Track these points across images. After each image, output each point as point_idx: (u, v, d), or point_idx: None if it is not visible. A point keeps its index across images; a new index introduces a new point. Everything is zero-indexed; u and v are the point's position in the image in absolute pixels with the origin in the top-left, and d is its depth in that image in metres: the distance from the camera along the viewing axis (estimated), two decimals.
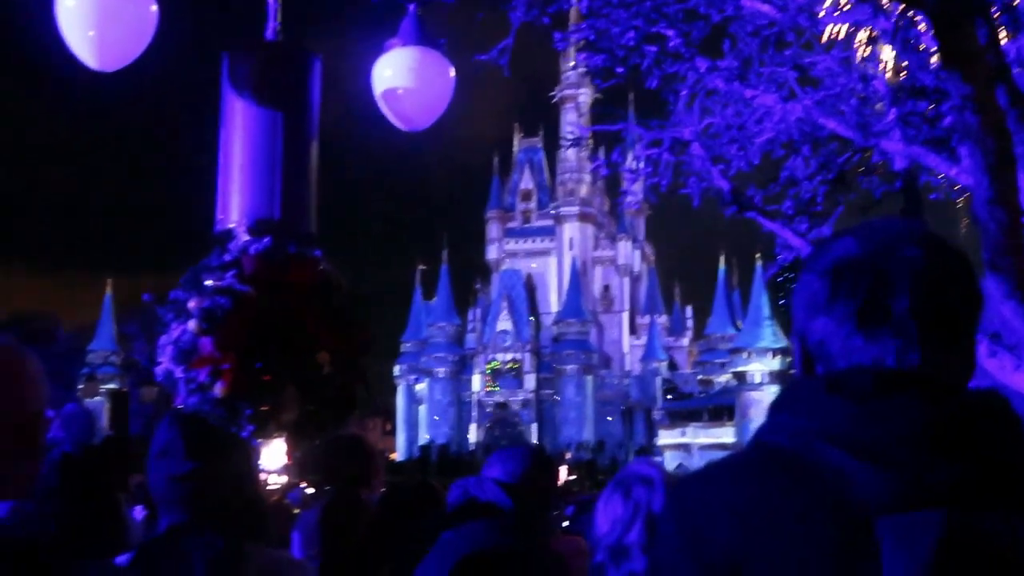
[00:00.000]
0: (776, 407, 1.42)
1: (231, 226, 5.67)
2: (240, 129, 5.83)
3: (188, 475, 2.64)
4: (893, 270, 1.39)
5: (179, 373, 5.43)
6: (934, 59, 6.84)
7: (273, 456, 5.32)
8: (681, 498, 1.45)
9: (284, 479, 5.19)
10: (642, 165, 8.16)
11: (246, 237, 5.56)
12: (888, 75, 7.26)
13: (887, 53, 7.17)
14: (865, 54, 7.13)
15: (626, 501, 3.04)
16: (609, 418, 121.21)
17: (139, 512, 6.24)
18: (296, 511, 6.01)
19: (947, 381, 1.36)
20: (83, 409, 5.57)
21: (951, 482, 1.24)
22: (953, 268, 1.42)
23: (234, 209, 5.77)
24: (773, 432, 1.39)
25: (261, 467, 4.62)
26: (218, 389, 5.25)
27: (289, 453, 5.48)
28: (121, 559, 2.49)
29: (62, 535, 1.43)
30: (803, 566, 1.27)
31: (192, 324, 5.37)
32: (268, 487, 4.38)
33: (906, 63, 7.10)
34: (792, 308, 1.50)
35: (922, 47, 6.89)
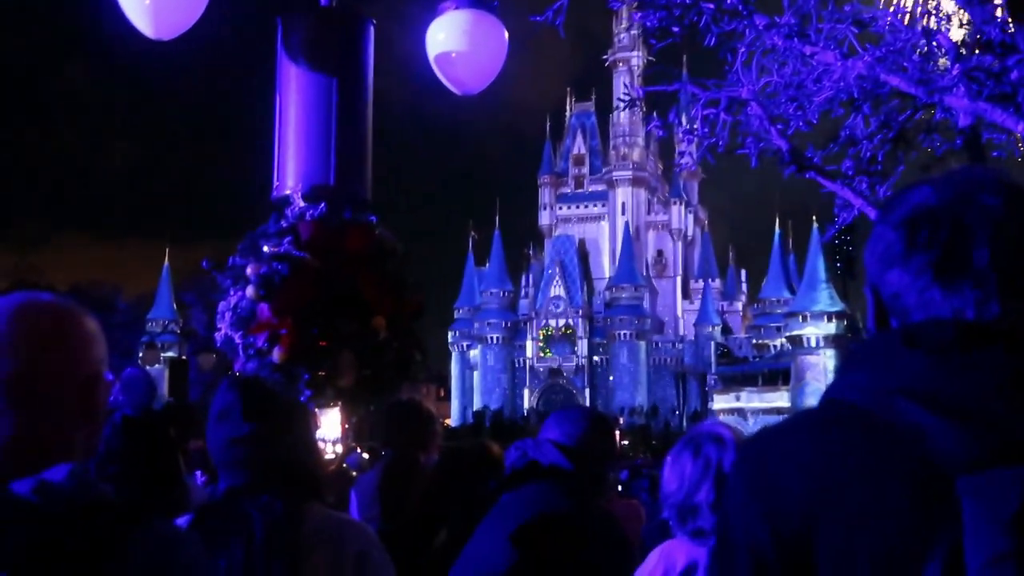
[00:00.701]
0: (849, 363, 1.37)
1: (287, 192, 5.67)
2: (295, 95, 5.82)
3: (246, 437, 2.66)
4: (972, 219, 1.33)
5: (238, 339, 5.46)
6: (999, 12, 6.66)
7: (330, 424, 5.36)
8: (753, 453, 1.41)
9: (340, 448, 5.23)
10: (697, 126, 8.05)
11: (302, 203, 5.56)
12: (952, 29, 7.08)
13: (950, 6, 6.99)
14: (930, 7, 6.96)
15: (696, 459, 3.01)
16: (663, 383, 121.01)
17: (199, 478, 6.33)
18: (354, 474, 6.06)
19: None
20: (144, 373, 5.63)
21: None
22: None
23: (290, 175, 5.78)
24: (846, 389, 1.34)
25: (320, 434, 4.64)
26: (276, 354, 5.28)
27: (345, 420, 5.51)
28: (180, 521, 2.51)
29: (122, 497, 1.42)
30: (879, 527, 1.22)
31: (250, 290, 5.40)
32: (326, 454, 4.40)
33: (970, 16, 6.92)
34: (865, 260, 1.45)
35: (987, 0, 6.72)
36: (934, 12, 7.05)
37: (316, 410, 5.19)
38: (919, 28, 7.03)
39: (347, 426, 5.58)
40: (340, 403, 5.47)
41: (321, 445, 2.78)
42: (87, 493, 1.38)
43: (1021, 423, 1.20)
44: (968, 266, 1.32)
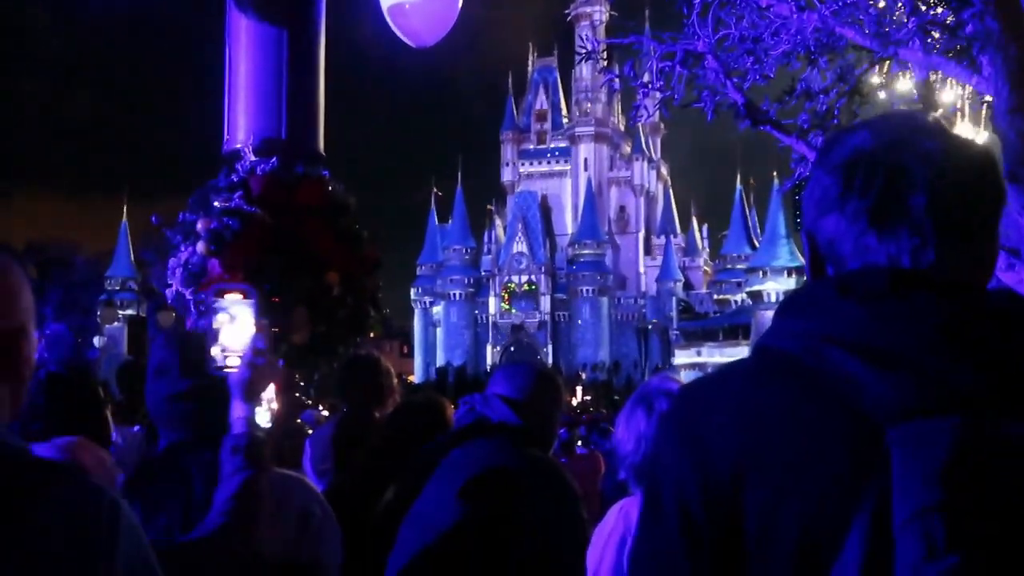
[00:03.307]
0: (783, 311, 1.35)
1: (238, 146, 5.58)
2: (244, 46, 5.71)
3: (185, 393, 2.61)
4: (910, 164, 1.30)
5: (189, 295, 5.39)
6: None
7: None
8: (683, 403, 1.39)
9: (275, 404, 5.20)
10: (653, 79, 8.00)
11: (253, 157, 5.48)
12: None
13: None
14: None
15: (649, 416, 2.99)
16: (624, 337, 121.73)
17: (138, 430, 6.29)
18: (310, 431, 6.04)
19: (965, 282, 1.28)
20: (65, 329, 5.56)
21: (968, 387, 1.17)
22: (974, 162, 1.33)
23: (241, 129, 5.68)
24: (779, 337, 1.32)
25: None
26: None
27: (299, 377, 5.46)
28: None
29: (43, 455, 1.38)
30: (809, 475, 1.21)
31: (200, 246, 5.32)
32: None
33: None
34: (802, 206, 1.42)
35: None
36: None
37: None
38: None
39: (302, 383, 5.53)
40: (293, 359, 5.42)
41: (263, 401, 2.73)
42: (4, 451, 1.34)
43: (953, 372, 1.18)
44: (904, 212, 1.29)
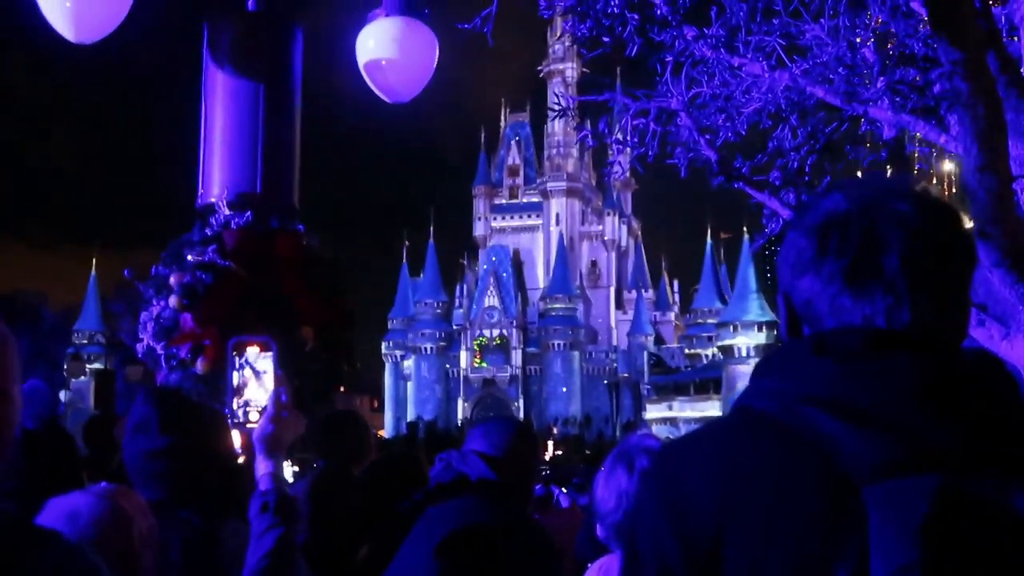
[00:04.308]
0: (760, 371, 1.36)
1: (212, 200, 5.57)
2: (220, 101, 5.72)
3: (163, 451, 2.58)
4: (883, 226, 1.32)
5: (160, 350, 5.33)
6: (923, 26, 6.78)
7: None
8: (660, 465, 1.39)
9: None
10: (627, 136, 8.08)
11: (227, 211, 5.46)
12: (876, 43, 7.19)
13: (875, 20, 7.11)
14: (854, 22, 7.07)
15: (631, 474, 2.96)
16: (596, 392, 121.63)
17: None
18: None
19: (940, 341, 1.29)
20: (44, 385, 5.48)
21: (945, 446, 1.18)
22: (945, 223, 1.35)
23: (216, 183, 5.67)
24: (757, 397, 1.32)
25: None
26: (200, 365, 5.17)
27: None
28: None
29: (22, 515, 1.34)
30: (788, 536, 1.21)
31: (173, 300, 5.28)
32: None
33: (893, 30, 7.04)
34: (778, 267, 1.43)
35: (910, 14, 6.83)
36: (859, 26, 7.15)
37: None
38: (844, 42, 7.13)
39: None
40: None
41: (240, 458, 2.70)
42: None
43: (928, 431, 1.19)
44: (879, 273, 1.31)
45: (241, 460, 2.79)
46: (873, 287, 1.31)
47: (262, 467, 2.46)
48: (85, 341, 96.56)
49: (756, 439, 1.28)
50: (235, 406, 2.53)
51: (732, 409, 1.37)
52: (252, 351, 2.54)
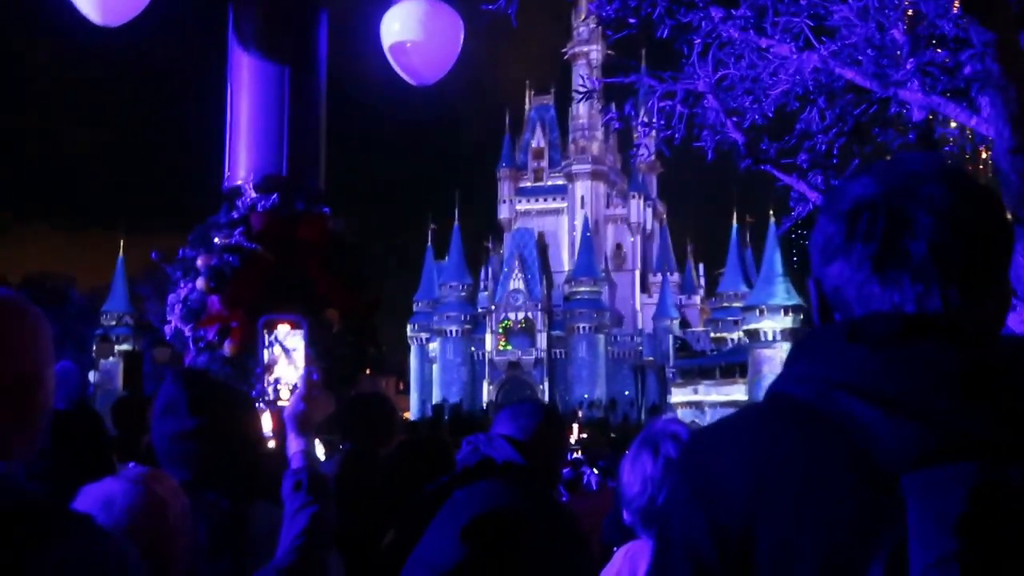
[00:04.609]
0: (793, 357, 1.34)
1: (239, 183, 5.58)
2: (246, 83, 5.72)
3: (191, 432, 2.59)
4: (913, 210, 1.29)
5: (188, 332, 5.36)
6: (953, 7, 6.70)
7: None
8: (693, 452, 1.38)
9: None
10: (654, 118, 8.03)
11: (253, 194, 5.48)
12: (906, 24, 7.11)
13: (905, 1, 7.03)
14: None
15: (655, 459, 2.96)
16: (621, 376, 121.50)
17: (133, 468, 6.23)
18: None
19: (975, 329, 1.26)
20: (74, 366, 5.52)
21: (983, 434, 1.15)
22: (979, 206, 1.31)
23: (242, 166, 5.68)
24: (790, 383, 1.30)
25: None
26: (227, 347, 5.19)
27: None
28: None
29: (49, 498, 1.35)
30: (821, 525, 1.19)
31: (200, 282, 5.30)
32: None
33: (924, 11, 6.96)
34: (810, 253, 1.42)
35: None
36: (889, 6, 7.06)
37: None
38: (873, 22, 7.05)
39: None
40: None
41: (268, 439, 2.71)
42: (8, 498, 1.31)
43: (966, 419, 1.16)
44: (907, 259, 1.29)
45: (272, 444, 2.80)
46: (901, 274, 1.29)
47: (294, 445, 2.47)
48: (113, 323, 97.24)
49: (789, 426, 1.27)
50: (265, 384, 2.53)
51: (764, 396, 1.35)
52: (283, 329, 2.55)
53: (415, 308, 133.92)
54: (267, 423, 2.87)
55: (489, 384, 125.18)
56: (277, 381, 2.53)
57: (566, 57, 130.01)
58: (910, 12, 7.18)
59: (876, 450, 1.18)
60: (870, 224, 1.31)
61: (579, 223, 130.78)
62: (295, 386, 2.51)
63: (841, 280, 1.34)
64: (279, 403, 2.52)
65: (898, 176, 1.33)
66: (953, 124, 7.98)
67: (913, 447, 1.16)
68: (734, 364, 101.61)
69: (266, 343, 2.55)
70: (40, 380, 1.47)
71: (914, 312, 1.28)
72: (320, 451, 2.66)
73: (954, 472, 1.14)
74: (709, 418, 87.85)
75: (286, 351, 2.54)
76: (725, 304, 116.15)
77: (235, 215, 5.45)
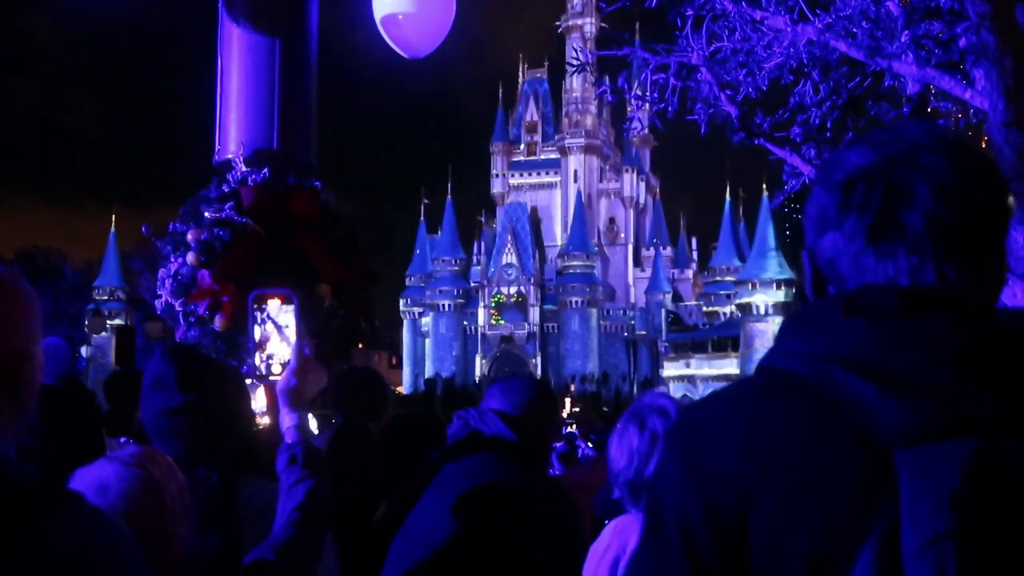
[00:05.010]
0: (786, 330, 1.31)
1: (229, 156, 5.55)
2: (237, 56, 5.68)
3: (181, 407, 2.57)
4: (911, 180, 1.26)
5: (178, 306, 5.35)
6: None
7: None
8: (684, 426, 1.35)
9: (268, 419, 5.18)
10: (647, 91, 8.00)
11: (244, 168, 5.44)
12: None
13: None
14: None
15: (642, 433, 2.96)
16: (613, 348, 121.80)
17: (124, 442, 6.22)
18: None
19: (973, 302, 1.24)
20: (63, 342, 5.50)
21: (982, 411, 1.13)
22: (977, 177, 1.28)
23: (232, 139, 5.65)
24: (783, 357, 1.28)
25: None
26: (218, 322, 5.18)
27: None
28: None
29: (41, 475, 1.33)
30: (816, 500, 1.17)
31: (190, 257, 5.28)
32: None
33: None
34: (803, 224, 1.39)
35: None
36: None
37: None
38: None
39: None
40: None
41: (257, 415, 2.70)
42: (1, 480, 1.29)
43: (966, 396, 1.14)
44: (902, 230, 1.26)
45: (266, 419, 2.79)
46: (896, 246, 1.26)
47: (287, 420, 2.46)
48: (106, 297, 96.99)
49: (782, 400, 1.24)
50: (257, 360, 2.52)
51: (756, 369, 1.32)
52: (273, 304, 2.53)
53: (408, 283, 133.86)
54: (259, 399, 2.86)
55: (482, 358, 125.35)
56: (270, 357, 2.52)
57: (560, 30, 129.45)
58: None
59: (872, 425, 1.16)
60: (866, 194, 1.28)
61: (572, 197, 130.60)
62: (287, 361, 2.50)
63: (835, 252, 1.32)
64: (271, 378, 2.50)
65: (897, 145, 1.30)
66: (947, 97, 7.95)
67: (909, 423, 1.14)
68: (726, 338, 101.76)
69: (258, 320, 2.53)
70: (30, 356, 1.46)
71: (908, 284, 1.26)
72: (313, 425, 2.64)
73: (951, 449, 1.12)
74: (701, 391, 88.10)
75: (278, 327, 2.52)
76: (718, 278, 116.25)
77: (226, 189, 5.42)
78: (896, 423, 1.15)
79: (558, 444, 10.97)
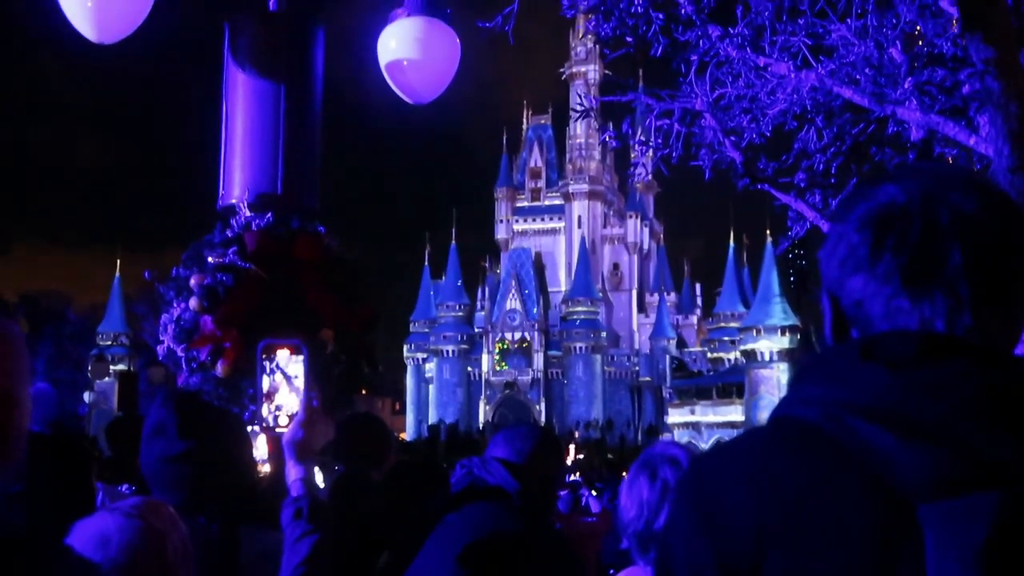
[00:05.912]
0: (802, 377, 1.26)
1: (233, 201, 5.54)
2: (242, 101, 5.69)
3: (180, 455, 2.53)
4: (944, 220, 1.21)
5: (180, 352, 5.31)
6: (952, 26, 6.69)
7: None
8: (696, 475, 1.30)
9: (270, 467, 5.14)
10: (651, 137, 8.02)
11: (248, 213, 5.43)
12: (904, 43, 7.10)
13: (903, 20, 7.02)
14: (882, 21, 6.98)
15: (653, 483, 2.91)
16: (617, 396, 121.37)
17: (125, 490, 6.15)
18: None
19: (1000, 347, 1.20)
20: (50, 388, 5.46)
21: (1007, 461, 1.09)
22: (1011, 221, 1.24)
23: (236, 184, 5.65)
24: (798, 404, 1.23)
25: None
26: (220, 368, 5.14)
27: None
28: None
29: (29, 525, 1.29)
30: (833, 556, 1.13)
31: (193, 302, 5.25)
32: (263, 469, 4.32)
33: (922, 30, 6.95)
34: (821, 265, 1.33)
35: (939, 13, 6.74)
36: (887, 25, 7.05)
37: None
38: (871, 41, 7.03)
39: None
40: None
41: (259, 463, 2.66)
42: None
43: (988, 446, 1.10)
44: (940, 272, 1.21)
45: (269, 468, 2.75)
46: (933, 287, 1.21)
47: (293, 473, 2.42)
48: (109, 342, 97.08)
49: (797, 451, 1.20)
50: (265, 411, 2.48)
51: (771, 418, 1.28)
52: (283, 355, 2.49)
53: (412, 328, 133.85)
54: (260, 447, 2.82)
55: (486, 404, 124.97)
56: (278, 408, 2.48)
57: (564, 77, 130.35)
58: (908, 31, 7.17)
59: (891, 477, 1.12)
60: (901, 234, 1.23)
61: (576, 243, 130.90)
62: (295, 412, 2.47)
63: (865, 294, 1.26)
64: (278, 429, 2.46)
65: (924, 184, 1.25)
66: (952, 143, 7.96)
67: (934, 475, 1.10)
68: (731, 384, 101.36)
69: (267, 370, 2.50)
70: (16, 400, 1.42)
71: (944, 329, 1.21)
72: (319, 478, 2.60)
73: (976, 501, 1.08)
74: (706, 439, 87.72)
75: (287, 377, 2.49)
76: (722, 324, 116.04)
77: (229, 234, 5.40)
78: (917, 473, 1.11)
79: (562, 492, 10.90)
